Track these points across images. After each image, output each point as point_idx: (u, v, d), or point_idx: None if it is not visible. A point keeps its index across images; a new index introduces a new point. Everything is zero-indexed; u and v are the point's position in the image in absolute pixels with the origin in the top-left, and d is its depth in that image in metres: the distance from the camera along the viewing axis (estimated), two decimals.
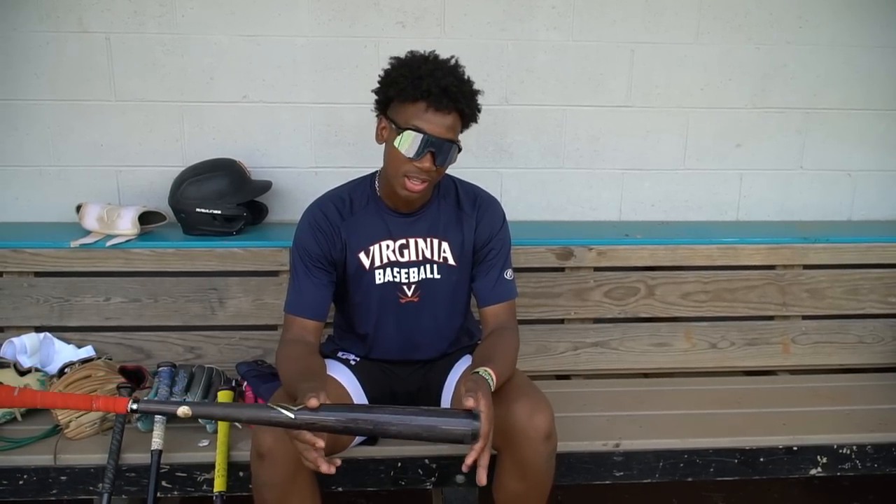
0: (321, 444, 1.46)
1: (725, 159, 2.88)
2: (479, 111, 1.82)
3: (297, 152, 2.70)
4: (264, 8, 2.58)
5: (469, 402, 1.50)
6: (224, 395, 2.08)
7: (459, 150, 1.80)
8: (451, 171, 2.04)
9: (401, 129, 1.75)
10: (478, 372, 1.67)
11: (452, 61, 1.80)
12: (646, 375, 2.62)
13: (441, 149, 1.75)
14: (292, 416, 1.45)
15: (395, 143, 1.77)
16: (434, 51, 1.81)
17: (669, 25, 2.72)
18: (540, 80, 2.72)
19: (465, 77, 1.79)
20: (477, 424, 1.50)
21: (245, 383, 2.16)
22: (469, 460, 1.52)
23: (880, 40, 2.81)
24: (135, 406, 1.46)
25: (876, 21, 2.79)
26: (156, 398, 1.49)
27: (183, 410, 1.46)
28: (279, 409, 1.46)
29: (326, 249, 1.90)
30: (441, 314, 2.01)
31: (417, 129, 1.73)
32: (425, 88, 1.71)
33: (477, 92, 1.81)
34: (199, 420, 2.06)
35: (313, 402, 1.43)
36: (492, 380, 1.66)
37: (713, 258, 2.62)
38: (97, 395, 1.48)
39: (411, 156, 1.75)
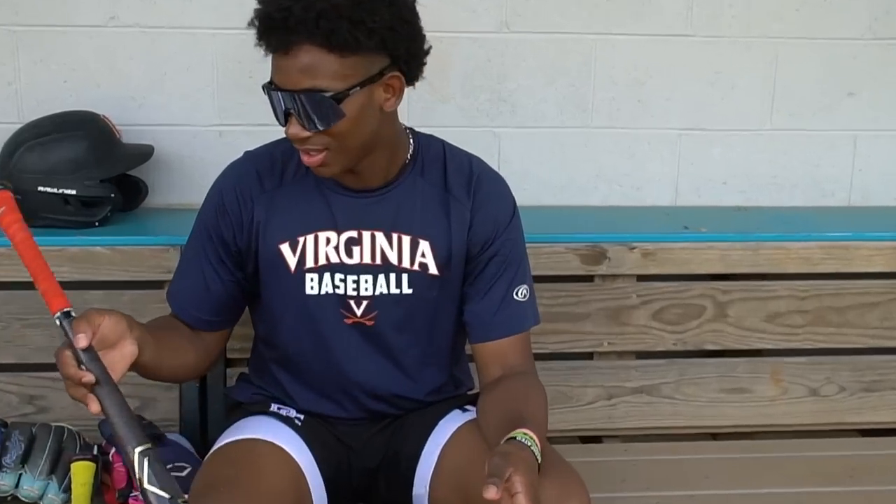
0: (90, 378, 1.30)
1: (832, 115, 2.46)
2: (364, 23, 1.44)
3: (193, 102, 2.32)
4: None
5: (491, 494, 1.25)
6: (81, 469, 1.79)
7: (339, 99, 1.49)
8: (426, 129, 1.74)
9: None
10: (514, 437, 1.42)
11: None
12: (714, 436, 2.33)
13: (301, 106, 1.47)
14: None
15: None
16: None
17: None
18: None
19: None
20: None
21: (112, 450, 1.87)
22: None
23: None
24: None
25: None
26: None
27: None
28: None
29: (230, 233, 1.66)
30: (411, 348, 1.71)
31: (270, 86, 1.56)
32: (259, 33, 1.52)
33: None
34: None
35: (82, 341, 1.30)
36: (535, 445, 1.40)
37: (813, 262, 2.27)
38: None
39: (280, 124, 1.59)
